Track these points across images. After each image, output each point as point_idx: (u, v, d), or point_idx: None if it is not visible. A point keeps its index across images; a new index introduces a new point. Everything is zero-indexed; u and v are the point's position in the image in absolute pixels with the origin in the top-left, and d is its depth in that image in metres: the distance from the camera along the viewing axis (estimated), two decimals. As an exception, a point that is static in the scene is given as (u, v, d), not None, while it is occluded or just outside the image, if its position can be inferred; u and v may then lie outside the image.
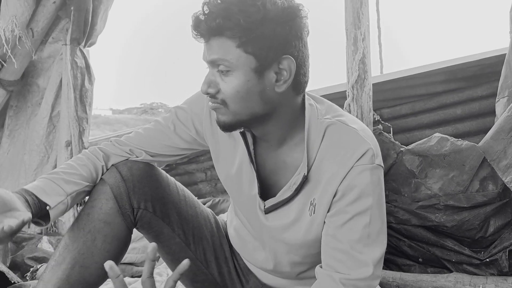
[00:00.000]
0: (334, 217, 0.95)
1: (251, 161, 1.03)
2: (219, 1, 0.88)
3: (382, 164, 0.96)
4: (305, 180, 0.97)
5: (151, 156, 1.16)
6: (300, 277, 1.14)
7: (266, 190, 1.05)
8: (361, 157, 0.92)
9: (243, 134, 1.02)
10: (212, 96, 0.93)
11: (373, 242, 0.92)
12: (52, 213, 1.02)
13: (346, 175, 0.92)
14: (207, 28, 0.89)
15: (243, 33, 0.87)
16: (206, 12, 0.88)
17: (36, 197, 1.01)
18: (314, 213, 0.98)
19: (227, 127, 0.96)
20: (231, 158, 1.09)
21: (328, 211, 0.96)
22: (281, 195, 1.01)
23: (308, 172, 0.96)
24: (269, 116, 0.96)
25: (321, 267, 0.97)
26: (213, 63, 0.91)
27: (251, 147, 1.03)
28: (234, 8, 0.87)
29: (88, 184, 1.08)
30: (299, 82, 0.95)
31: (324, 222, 0.97)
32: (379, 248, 0.93)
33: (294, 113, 0.98)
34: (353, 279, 0.91)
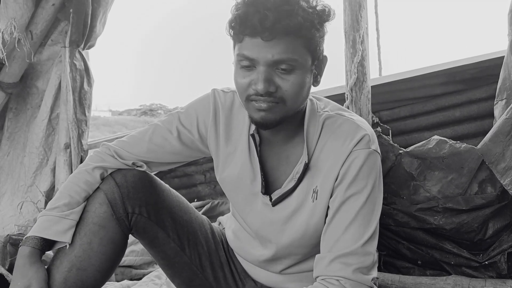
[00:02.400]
0: (334, 200, 1.01)
1: (259, 161, 1.07)
2: (281, 1, 0.90)
3: (379, 151, 1.03)
4: (306, 168, 1.03)
5: (152, 167, 1.18)
6: (294, 270, 1.16)
7: (268, 186, 1.09)
8: (358, 142, 0.99)
9: (252, 136, 1.07)
10: (270, 95, 0.94)
11: (367, 222, 0.98)
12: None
13: (345, 160, 0.99)
14: (286, 26, 0.89)
15: (312, 34, 0.94)
16: (279, 9, 0.89)
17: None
18: (316, 199, 1.03)
19: (275, 124, 0.98)
20: (231, 161, 1.12)
21: (330, 197, 1.02)
22: (286, 186, 1.07)
23: (309, 160, 1.02)
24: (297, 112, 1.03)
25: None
26: (276, 63, 0.92)
27: (258, 148, 1.08)
28: (306, 8, 0.92)
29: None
30: None
31: (328, 207, 1.03)
32: (371, 227, 0.99)
33: (303, 110, 1.05)
34: (344, 254, 0.96)
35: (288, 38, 0.91)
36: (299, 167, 1.04)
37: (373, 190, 1.00)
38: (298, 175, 1.04)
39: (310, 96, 1.08)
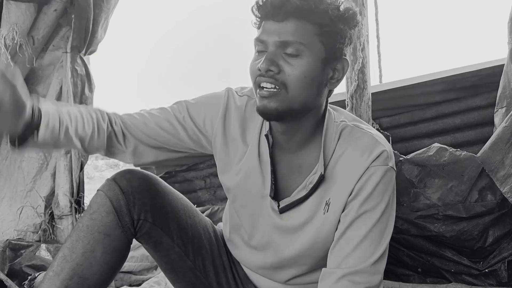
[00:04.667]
0: (346, 215, 0.98)
1: (271, 163, 1.05)
2: None
3: (395, 168, 1.01)
4: (322, 179, 0.99)
5: (152, 147, 1.16)
6: (298, 281, 1.14)
7: (277, 193, 1.07)
8: (376, 158, 0.97)
9: (266, 136, 1.05)
10: (271, 76, 0.92)
11: (379, 240, 0.96)
12: (41, 131, 0.98)
13: (362, 175, 0.96)
14: (295, 7, 0.90)
15: (326, 23, 0.92)
16: None
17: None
18: (327, 211, 1.01)
19: (276, 114, 0.95)
20: (239, 163, 1.10)
21: (343, 211, 0.99)
22: (296, 195, 1.04)
23: (324, 171, 0.99)
24: (308, 111, 0.99)
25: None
26: (283, 44, 0.92)
27: (270, 150, 1.05)
28: None
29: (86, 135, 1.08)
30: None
31: (339, 221, 1.00)
32: (382, 246, 0.96)
33: (320, 115, 1.02)
34: (353, 272, 0.93)
35: (299, 21, 0.91)
36: (313, 178, 1.01)
37: (387, 208, 0.97)
38: (311, 186, 1.01)
39: (328, 107, 1.05)
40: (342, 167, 0.99)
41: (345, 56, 0.99)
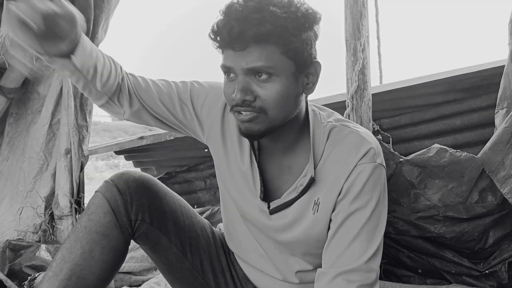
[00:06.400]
0: (337, 214, 0.98)
1: (258, 166, 1.05)
2: (254, 7, 0.87)
3: (384, 164, 1.00)
4: (312, 182, 1.00)
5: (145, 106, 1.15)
6: (299, 280, 1.14)
7: (268, 194, 1.08)
8: (363, 156, 0.96)
9: (251, 142, 1.05)
10: (248, 105, 0.92)
11: (371, 237, 0.96)
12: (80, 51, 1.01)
13: (350, 174, 0.96)
14: (254, 34, 0.87)
15: (289, 40, 0.89)
16: (247, 18, 0.87)
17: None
18: (317, 211, 1.01)
19: (259, 135, 0.95)
20: (237, 164, 1.11)
21: (333, 211, 0.99)
22: (286, 197, 1.04)
23: (314, 174, 1.00)
24: (289, 121, 0.98)
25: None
26: (251, 71, 0.90)
27: (256, 153, 1.06)
28: (279, 14, 0.88)
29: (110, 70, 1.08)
30: None
31: (330, 220, 1.00)
32: (375, 243, 0.96)
33: (302, 119, 1.02)
34: (347, 270, 0.93)
35: (261, 46, 0.88)
36: (303, 180, 1.01)
37: (378, 205, 0.97)
38: (301, 188, 1.01)
39: (312, 107, 1.05)
40: (330, 167, 0.99)
41: (315, 58, 0.97)
